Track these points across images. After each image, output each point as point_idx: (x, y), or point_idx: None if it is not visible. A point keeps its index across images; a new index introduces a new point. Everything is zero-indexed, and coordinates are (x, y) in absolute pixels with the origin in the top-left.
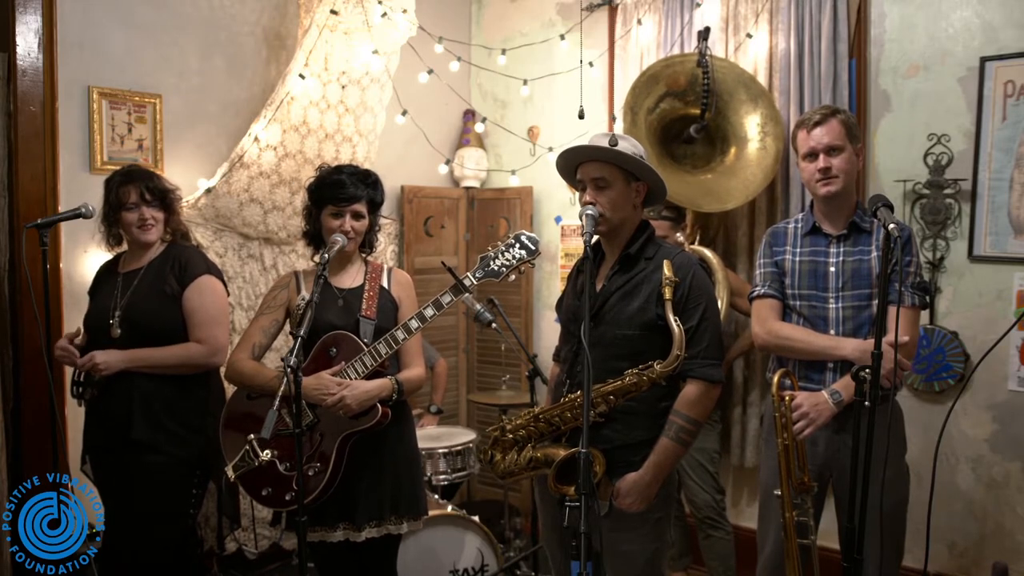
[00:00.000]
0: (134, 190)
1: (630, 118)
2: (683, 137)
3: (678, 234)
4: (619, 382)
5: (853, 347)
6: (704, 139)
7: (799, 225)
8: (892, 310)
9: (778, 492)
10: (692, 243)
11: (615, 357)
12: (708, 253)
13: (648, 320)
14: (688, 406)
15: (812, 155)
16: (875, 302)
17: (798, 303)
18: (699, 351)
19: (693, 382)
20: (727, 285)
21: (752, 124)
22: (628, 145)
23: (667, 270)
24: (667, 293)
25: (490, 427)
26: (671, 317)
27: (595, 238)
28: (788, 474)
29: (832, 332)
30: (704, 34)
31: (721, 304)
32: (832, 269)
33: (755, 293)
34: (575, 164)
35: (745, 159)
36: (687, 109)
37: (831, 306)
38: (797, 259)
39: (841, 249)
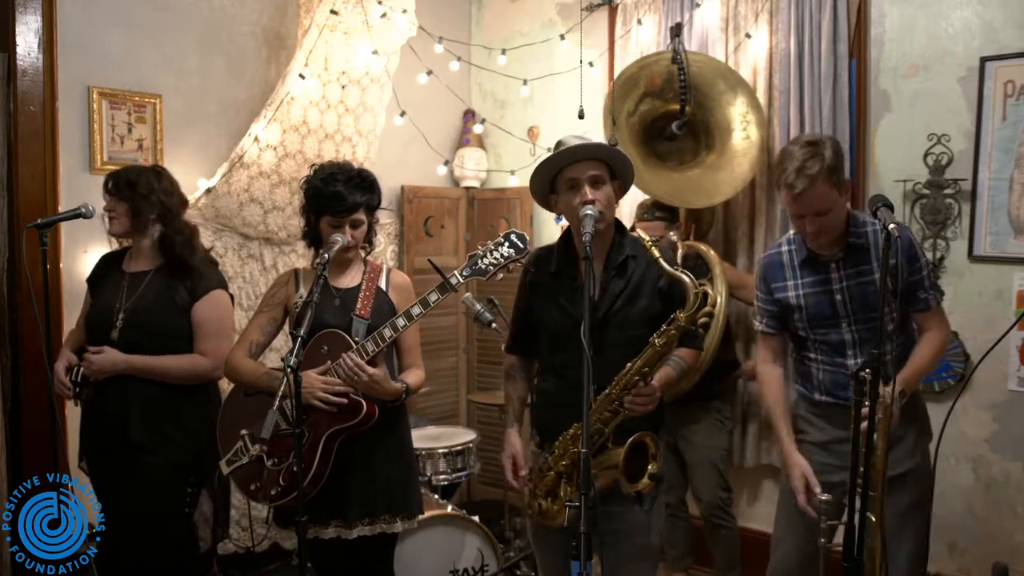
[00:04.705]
0: (106, 181)
1: (611, 123)
2: (665, 134)
3: (671, 233)
4: (648, 351)
5: (789, 448)
6: (688, 134)
7: (793, 250)
8: (916, 316)
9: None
10: (686, 239)
11: (628, 358)
12: (704, 248)
13: (655, 315)
14: (688, 353)
15: (799, 217)
16: (887, 320)
17: (812, 335)
18: (696, 334)
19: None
20: (724, 280)
21: (734, 114)
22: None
23: (644, 234)
24: (655, 253)
25: (526, 484)
26: (674, 270)
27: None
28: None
29: (851, 354)
30: (676, 30)
31: (720, 299)
32: (839, 297)
33: (756, 326)
34: (559, 167)
35: (731, 150)
36: (667, 106)
37: (845, 332)
38: (801, 293)
39: (843, 273)
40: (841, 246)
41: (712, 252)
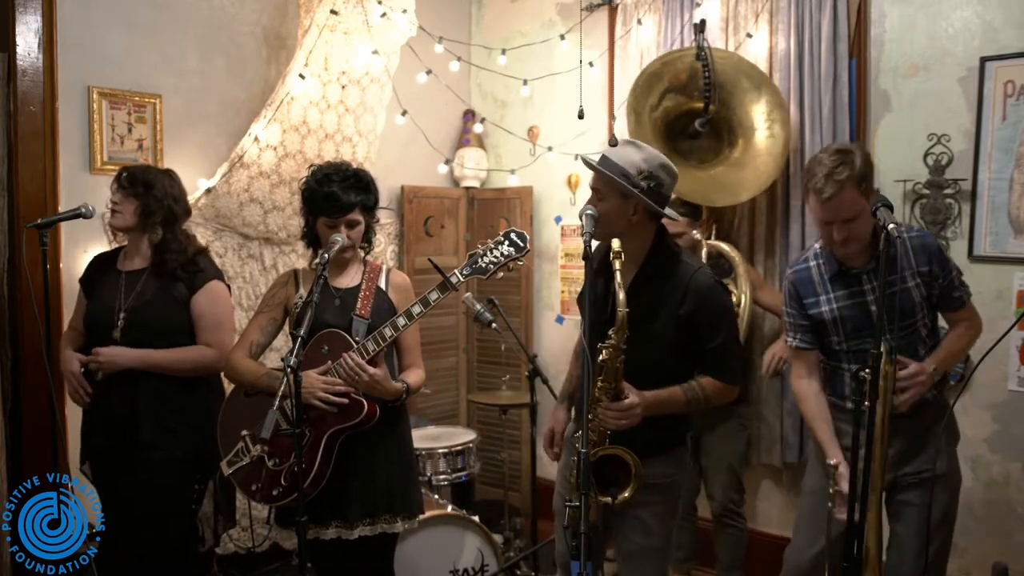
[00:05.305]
0: (119, 174)
1: (634, 119)
2: (688, 132)
3: (694, 231)
4: (600, 369)
5: (839, 460)
6: (711, 132)
7: (821, 264)
8: (950, 314)
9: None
10: (708, 238)
11: (636, 374)
12: (726, 247)
13: (670, 342)
14: (711, 384)
15: (827, 223)
16: (920, 325)
17: (847, 346)
18: (728, 368)
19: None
20: (748, 279)
21: (758, 113)
22: (637, 155)
23: (615, 245)
24: (616, 264)
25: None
26: (617, 286)
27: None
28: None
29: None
30: (700, 27)
31: (744, 299)
32: (874, 308)
33: (788, 343)
34: None
35: (754, 149)
36: (691, 104)
37: (882, 341)
38: (836, 307)
39: (875, 284)
40: (870, 256)
41: (735, 252)
